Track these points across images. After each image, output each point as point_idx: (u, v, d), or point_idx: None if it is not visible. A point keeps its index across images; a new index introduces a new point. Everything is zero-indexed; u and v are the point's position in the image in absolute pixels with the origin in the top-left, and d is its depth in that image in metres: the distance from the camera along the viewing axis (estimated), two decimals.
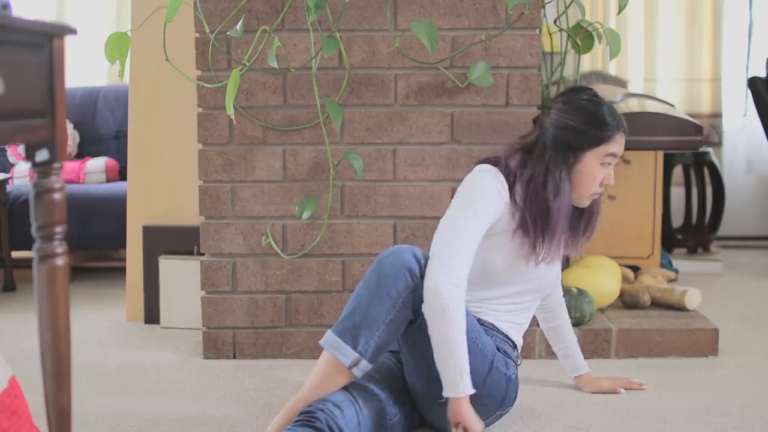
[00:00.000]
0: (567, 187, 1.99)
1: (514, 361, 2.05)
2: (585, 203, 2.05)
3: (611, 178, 2.03)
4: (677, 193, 4.56)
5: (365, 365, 1.83)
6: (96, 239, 3.74)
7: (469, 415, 1.82)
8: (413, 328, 1.86)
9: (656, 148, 3.09)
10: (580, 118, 1.99)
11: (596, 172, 2.00)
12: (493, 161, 2.03)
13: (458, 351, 1.80)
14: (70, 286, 1.29)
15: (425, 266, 1.86)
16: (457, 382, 1.81)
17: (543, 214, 1.96)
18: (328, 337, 1.86)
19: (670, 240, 4.30)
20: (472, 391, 1.82)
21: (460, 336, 1.80)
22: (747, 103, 4.75)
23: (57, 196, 1.24)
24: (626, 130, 2.04)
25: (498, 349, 2.01)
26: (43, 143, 1.22)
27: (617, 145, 2.01)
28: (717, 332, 2.67)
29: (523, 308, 2.09)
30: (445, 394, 1.83)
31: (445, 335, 1.80)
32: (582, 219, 2.10)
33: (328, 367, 1.84)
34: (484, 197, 1.94)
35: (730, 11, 4.70)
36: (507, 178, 1.99)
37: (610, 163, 2.02)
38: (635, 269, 3.38)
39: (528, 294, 2.07)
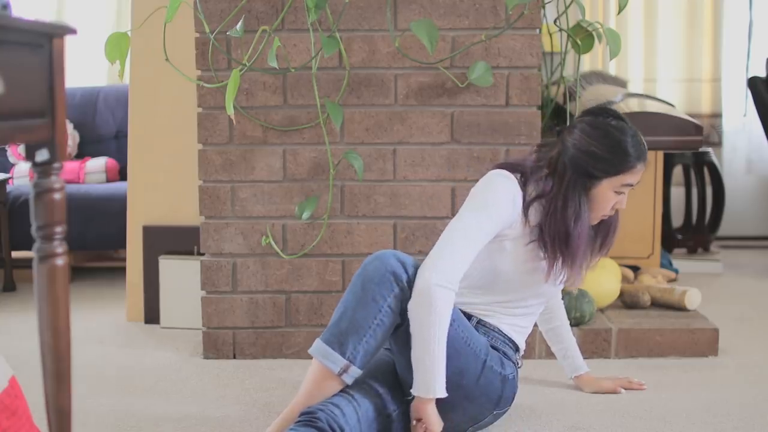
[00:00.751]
0: (587, 212, 1.96)
1: (514, 363, 2.04)
2: (593, 222, 2.03)
3: (623, 203, 2.01)
4: (677, 193, 4.56)
5: (355, 371, 1.84)
6: (96, 239, 3.74)
7: (432, 415, 1.83)
8: (401, 331, 1.86)
9: (656, 148, 3.08)
10: (603, 146, 1.95)
11: (609, 198, 1.98)
12: (511, 168, 2.00)
13: (435, 353, 1.79)
14: (70, 286, 1.29)
15: (411, 269, 1.85)
16: (429, 384, 1.80)
17: (562, 238, 1.94)
18: (317, 346, 1.86)
19: (670, 240, 4.30)
20: (443, 395, 1.81)
21: (441, 339, 1.79)
22: (747, 103, 4.75)
23: (57, 196, 1.24)
24: (647, 161, 2.00)
25: (497, 350, 2.00)
26: (43, 143, 1.22)
27: (635, 176, 1.98)
28: (717, 332, 2.67)
29: (529, 312, 2.08)
30: (413, 391, 1.83)
31: (426, 336, 1.79)
32: (599, 234, 2.08)
33: (318, 374, 1.85)
34: (498, 201, 1.92)
35: (730, 11, 4.70)
36: (524, 188, 1.97)
37: (624, 192, 2.00)
38: (635, 269, 3.38)
39: (534, 298, 2.07)
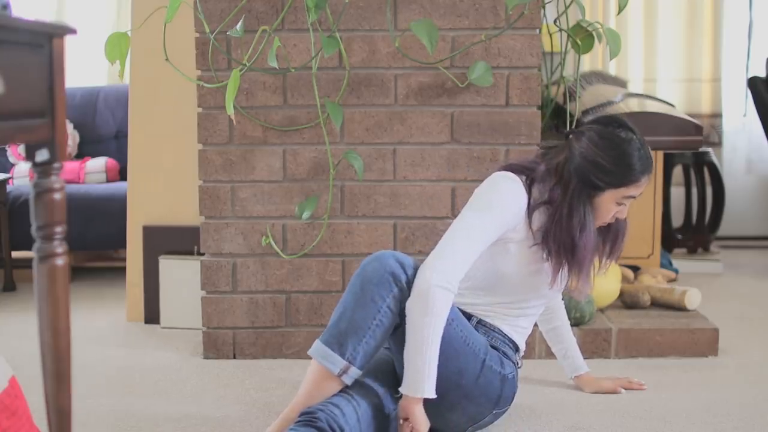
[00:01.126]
0: (591, 222, 1.96)
1: (513, 363, 2.04)
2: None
3: (624, 213, 2.01)
4: (677, 193, 4.56)
5: (354, 372, 1.83)
6: (96, 239, 3.74)
7: (419, 415, 1.82)
8: (401, 332, 1.85)
9: (656, 148, 3.08)
10: (610, 158, 1.93)
11: (611, 208, 1.98)
12: (517, 170, 1.99)
13: (427, 354, 1.78)
14: (70, 286, 1.29)
15: (410, 269, 1.85)
16: (418, 383, 1.80)
17: (568, 248, 1.93)
18: (317, 347, 1.86)
19: (670, 240, 4.30)
20: (432, 396, 1.81)
21: (435, 340, 1.79)
22: (747, 103, 4.75)
23: (57, 196, 1.24)
24: (651, 173, 1.98)
25: (496, 349, 2.00)
26: (43, 143, 1.22)
27: (639, 189, 1.97)
28: (717, 332, 2.67)
29: (530, 313, 2.08)
30: (402, 389, 1.83)
31: (420, 337, 1.79)
32: (607, 240, 2.07)
33: (318, 375, 1.84)
34: (503, 203, 1.92)
35: (730, 11, 4.70)
36: (529, 191, 1.96)
37: (625, 204, 2.00)
38: (635, 269, 3.38)
39: (536, 300, 2.07)
